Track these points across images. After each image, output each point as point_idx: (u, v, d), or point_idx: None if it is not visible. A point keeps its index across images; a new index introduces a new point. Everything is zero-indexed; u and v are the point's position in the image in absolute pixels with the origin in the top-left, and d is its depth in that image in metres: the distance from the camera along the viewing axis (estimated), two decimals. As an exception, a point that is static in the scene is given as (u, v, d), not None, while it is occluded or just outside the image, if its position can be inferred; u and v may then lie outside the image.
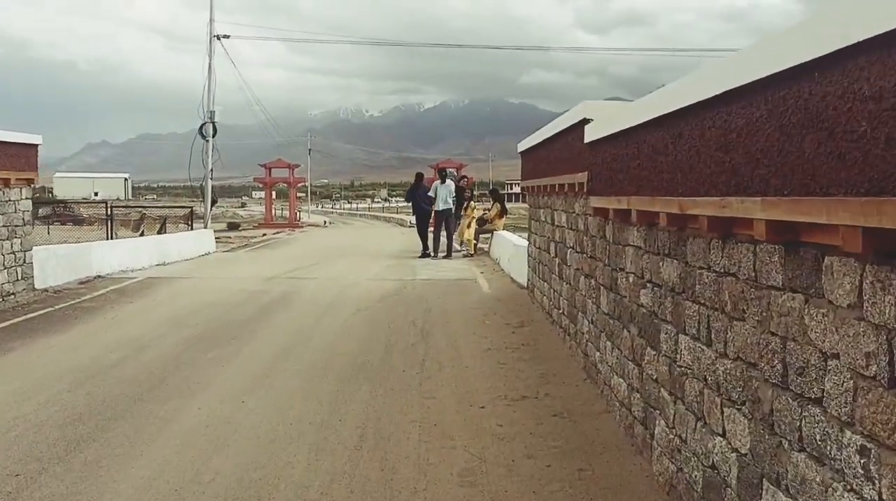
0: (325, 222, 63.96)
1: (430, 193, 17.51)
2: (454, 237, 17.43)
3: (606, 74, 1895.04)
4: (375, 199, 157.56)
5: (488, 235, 18.17)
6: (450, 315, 9.05)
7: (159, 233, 21.03)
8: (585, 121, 5.66)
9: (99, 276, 12.43)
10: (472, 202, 18.03)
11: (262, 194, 68.87)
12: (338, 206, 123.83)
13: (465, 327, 8.28)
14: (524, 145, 10.17)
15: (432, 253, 16.93)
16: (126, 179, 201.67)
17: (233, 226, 58.80)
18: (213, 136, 22.68)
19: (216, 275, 13.31)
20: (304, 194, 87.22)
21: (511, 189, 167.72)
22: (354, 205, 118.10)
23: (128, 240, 15.01)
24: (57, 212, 57.64)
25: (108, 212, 20.82)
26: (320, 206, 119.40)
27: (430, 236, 17.55)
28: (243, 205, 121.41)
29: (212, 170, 22.56)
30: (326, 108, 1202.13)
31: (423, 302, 9.90)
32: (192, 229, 20.86)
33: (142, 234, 21.24)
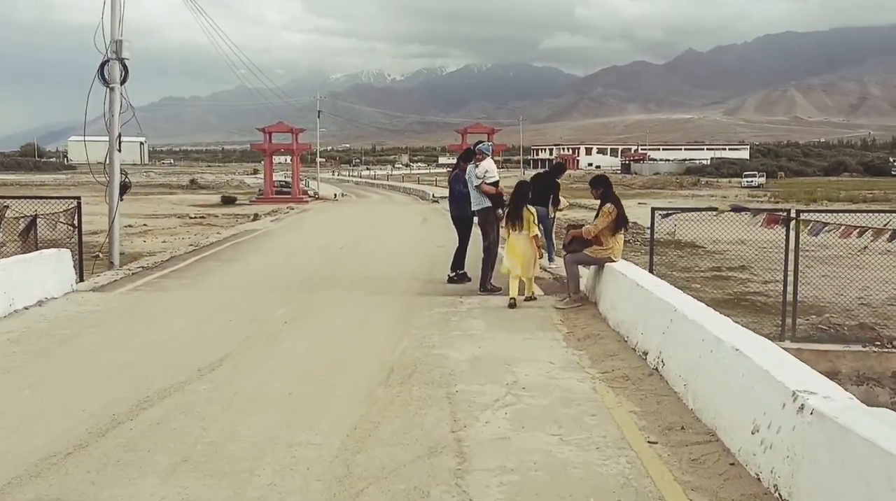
0: (335, 195, 55.70)
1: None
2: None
3: (632, 38, 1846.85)
4: (396, 165, 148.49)
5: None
6: None
7: (23, 242, 12.40)
8: None
9: None
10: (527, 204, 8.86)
11: (287, 159, 58.84)
12: (355, 174, 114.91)
13: None
14: None
15: (457, 278, 10.51)
16: (141, 143, 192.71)
17: (228, 201, 50.41)
18: (124, 83, 13.95)
19: None
20: (323, 160, 78.20)
21: (537, 155, 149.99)
22: (373, 173, 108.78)
23: None
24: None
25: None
26: (335, 174, 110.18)
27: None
28: (255, 172, 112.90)
29: (119, 135, 13.90)
30: (348, 72, 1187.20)
31: None
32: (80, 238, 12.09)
33: (-4, 244, 12.63)
